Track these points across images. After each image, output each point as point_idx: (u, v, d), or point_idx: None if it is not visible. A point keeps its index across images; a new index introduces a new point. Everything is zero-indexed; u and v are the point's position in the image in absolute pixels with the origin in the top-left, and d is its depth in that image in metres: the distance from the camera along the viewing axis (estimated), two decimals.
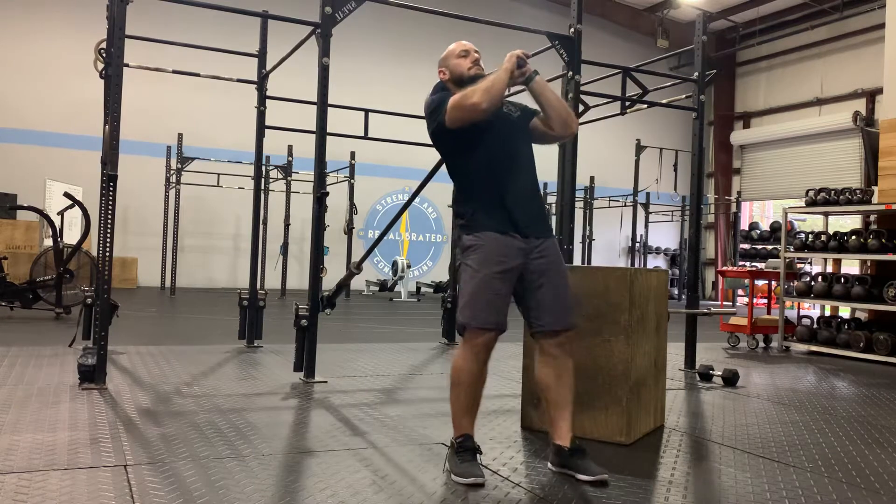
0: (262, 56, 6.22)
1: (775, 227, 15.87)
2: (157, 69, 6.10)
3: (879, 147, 7.67)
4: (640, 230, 15.64)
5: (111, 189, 4.47)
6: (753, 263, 15.21)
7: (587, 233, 14.75)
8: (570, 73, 5.15)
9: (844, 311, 8.68)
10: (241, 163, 12.53)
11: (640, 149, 13.45)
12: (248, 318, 6.17)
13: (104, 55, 5.34)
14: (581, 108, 5.78)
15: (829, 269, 8.52)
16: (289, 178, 13.10)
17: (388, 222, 5.83)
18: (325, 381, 4.73)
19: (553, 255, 3.00)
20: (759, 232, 16.55)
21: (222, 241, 14.72)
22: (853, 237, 7.17)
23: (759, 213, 19.01)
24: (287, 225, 13.31)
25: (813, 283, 7.62)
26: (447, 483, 2.76)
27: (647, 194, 15.32)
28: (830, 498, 2.76)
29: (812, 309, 10.24)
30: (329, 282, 6.72)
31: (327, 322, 7.08)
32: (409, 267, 14.14)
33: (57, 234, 8.07)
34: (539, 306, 2.94)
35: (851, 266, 9.09)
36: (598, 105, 6.34)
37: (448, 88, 3.09)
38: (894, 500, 2.79)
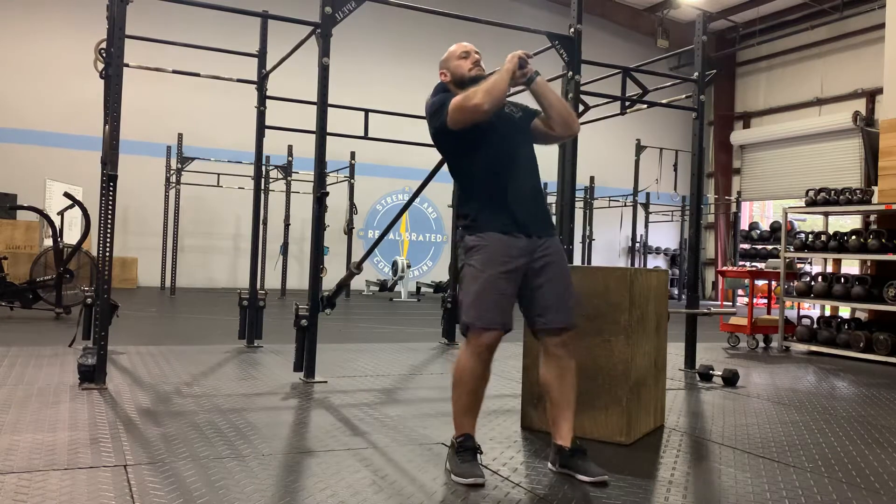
0: (262, 56, 6.22)
1: (775, 227, 15.87)
2: (157, 69, 6.10)
3: (879, 147, 7.67)
4: (640, 230, 15.64)
5: (111, 189, 4.47)
6: (753, 263, 15.21)
7: (587, 233, 14.75)
8: (570, 73, 5.15)
9: (844, 311, 8.68)
10: (241, 163, 12.53)
11: (640, 149, 13.45)
12: (248, 318, 6.17)
13: (104, 55, 5.34)
14: (581, 108, 5.78)
15: (829, 269, 8.52)
16: (289, 178, 13.10)
17: (388, 222, 5.83)
18: (325, 381, 4.73)
19: (556, 254, 3.00)
20: (759, 232, 16.55)
21: (222, 241, 14.72)
22: (853, 237, 7.17)
23: (759, 213, 19.02)
24: (287, 225, 13.31)
25: (813, 283, 7.62)
26: (447, 483, 2.76)
27: (647, 194, 15.32)
28: (830, 498, 2.76)
29: (812, 309, 10.24)
30: (329, 282, 6.72)
31: (327, 322, 7.07)
32: (409, 267, 14.14)
33: (57, 234, 8.07)
34: (542, 305, 2.94)
35: (851, 266, 9.09)
36: (598, 105, 6.35)
37: (449, 90, 3.09)
38: (894, 500, 2.79)
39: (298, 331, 4.73)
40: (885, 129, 7.61)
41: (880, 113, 10.32)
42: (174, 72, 6.18)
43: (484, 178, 2.99)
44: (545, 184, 3.28)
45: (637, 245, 16.13)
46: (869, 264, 7.73)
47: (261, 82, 6.23)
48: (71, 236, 9.43)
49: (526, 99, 3.17)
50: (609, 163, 16.42)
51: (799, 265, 9.68)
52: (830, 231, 7.61)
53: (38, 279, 8.13)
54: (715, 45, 17.48)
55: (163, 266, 13.03)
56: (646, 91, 6.20)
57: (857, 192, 7.30)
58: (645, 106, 6.36)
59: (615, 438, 3.42)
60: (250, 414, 3.78)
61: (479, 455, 2.89)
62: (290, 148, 12.75)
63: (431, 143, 3.20)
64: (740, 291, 16.01)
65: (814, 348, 7.34)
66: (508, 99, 3.08)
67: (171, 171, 12.77)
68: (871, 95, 14.97)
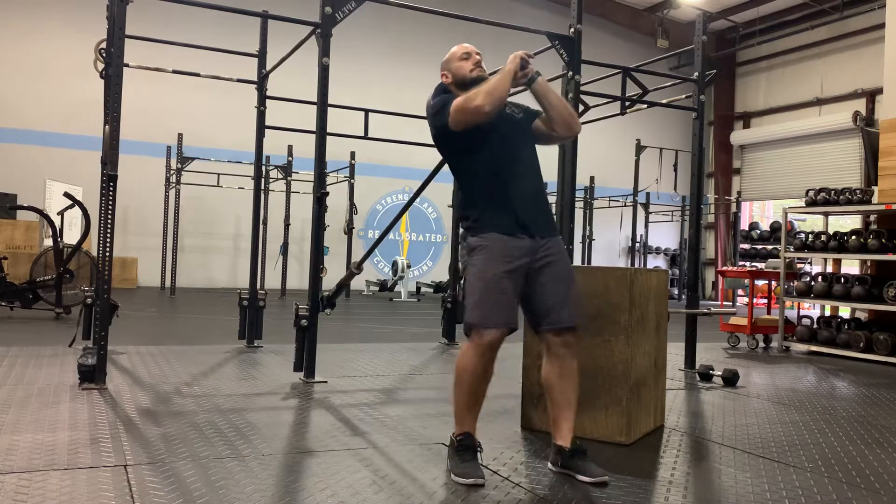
0: (262, 56, 6.22)
1: (775, 227, 15.88)
2: (157, 69, 6.10)
3: (879, 147, 7.67)
4: (640, 230, 15.64)
5: (111, 189, 4.47)
6: (753, 263, 15.22)
7: (587, 233, 14.75)
8: (570, 73, 5.15)
9: (844, 311, 8.68)
10: (241, 163, 12.53)
11: (640, 149, 13.45)
12: (248, 318, 6.17)
13: (104, 55, 5.34)
14: (581, 108, 5.78)
15: (829, 269, 8.52)
16: (289, 178, 13.10)
17: (388, 222, 5.83)
18: (325, 381, 4.73)
19: (559, 254, 3.01)
20: (759, 232, 16.56)
21: (222, 241, 14.72)
22: (853, 237, 7.17)
23: (759, 213, 19.02)
24: (287, 225, 13.31)
25: (813, 283, 7.62)
26: (447, 483, 2.76)
27: (647, 194, 15.32)
28: (830, 498, 2.76)
29: (812, 309, 10.24)
30: (329, 282, 6.72)
31: (327, 322, 7.07)
32: (409, 267, 14.14)
33: (57, 234, 8.07)
34: (546, 305, 2.94)
35: (851, 266, 9.09)
36: (598, 105, 6.35)
37: (450, 91, 3.10)
38: (894, 500, 2.79)
39: (298, 331, 4.73)
40: (885, 129, 7.61)
41: (880, 113, 10.32)
42: (174, 72, 6.18)
43: (486, 179, 2.99)
44: (545, 184, 3.29)
45: (637, 245, 16.13)
46: (869, 264, 7.73)
47: (261, 82, 6.23)
48: (71, 236, 9.43)
49: (526, 99, 3.17)
50: (609, 163, 16.42)
51: (799, 265, 9.68)
52: (830, 231, 7.61)
53: (38, 279, 8.14)
54: (715, 45, 17.48)
55: (163, 266, 13.03)
56: (646, 91, 6.20)
57: (857, 192, 7.30)
58: (645, 106, 6.36)
59: (615, 438, 3.42)
60: (250, 414, 3.78)
61: (479, 454, 2.89)
62: (290, 148, 12.75)
63: (431, 143, 3.20)
64: (740, 291, 16.01)
65: (814, 348, 7.34)
66: (509, 99, 3.08)
67: (171, 171, 12.77)
68: (871, 95, 14.97)
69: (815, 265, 12.20)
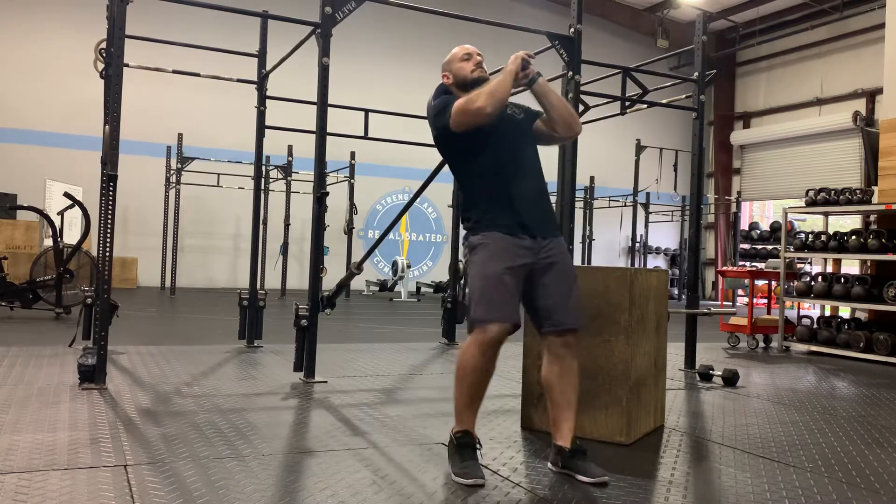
0: (262, 56, 6.22)
1: (775, 227, 15.88)
2: (157, 69, 6.10)
3: (879, 147, 7.67)
4: (640, 230, 15.65)
5: (111, 189, 4.47)
6: (753, 263, 15.22)
7: (587, 233, 14.75)
8: (570, 73, 5.15)
9: (844, 311, 8.68)
10: (241, 163, 12.53)
11: (640, 149, 13.45)
12: (248, 318, 6.17)
13: (104, 55, 5.34)
14: (581, 108, 5.78)
15: (829, 269, 8.52)
16: (289, 178, 13.10)
17: (388, 222, 5.83)
18: (325, 381, 4.73)
19: (561, 255, 3.01)
20: (759, 232, 16.56)
21: (222, 241, 14.72)
22: (853, 237, 7.17)
23: (759, 213, 19.02)
24: (287, 225, 13.31)
25: (813, 283, 7.62)
26: (447, 483, 2.76)
27: (647, 194, 15.33)
28: (830, 498, 2.76)
29: (812, 309, 10.24)
30: (329, 282, 6.72)
31: (327, 322, 7.08)
32: (409, 267, 14.14)
33: (57, 234, 8.07)
34: (548, 306, 2.94)
35: (851, 266, 9.09)
36: (598, 105, 6.35)
37: (451, 91, 3.10)
38: (894, 500, 2.79)
39: (298, 331, 4.73)
40: (885, 129, 7.61)
41: (880, 113, 10.32)
42: (174, 72, 6.18)
43: (487, 180, 3.00)
44: (547, 184, 3.31)
45: (637, 245, 16.13)
46: (869, 264, 7.73)
47: (261, 82, 6.23)
48: (71, 236, 9.43)
49: (526, 99, 3.17)
50: (609, 163, 16.42)
51: (799, 265, 9.68)
52: (830, 231, 7.61)
53: (38, 279, 8.14)
54: (715, 45, 17.48)
55: (163, 266, 13.03)
56: (646, 91, 6.20)
57: (857, 192, 7.30)
58: (645, 106, 6.36)
59: (615, 438, 3.42)
60: (250, 414, 3.78)
61: (478, 451, 2.89)
62: (290, 148, 12.75)
63: (431, 143, 3.20)
64: (740, 291, 16.01)
65: (814, 348, 7.34)
66: (510, 100, 3.08)
67: (171, 171, 12.77)
68: (871, 95, 14.97)
69: (815, 265, 12.20)
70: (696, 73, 5.87)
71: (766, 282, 9.86)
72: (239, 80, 6.37)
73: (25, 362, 4.98)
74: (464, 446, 2.86)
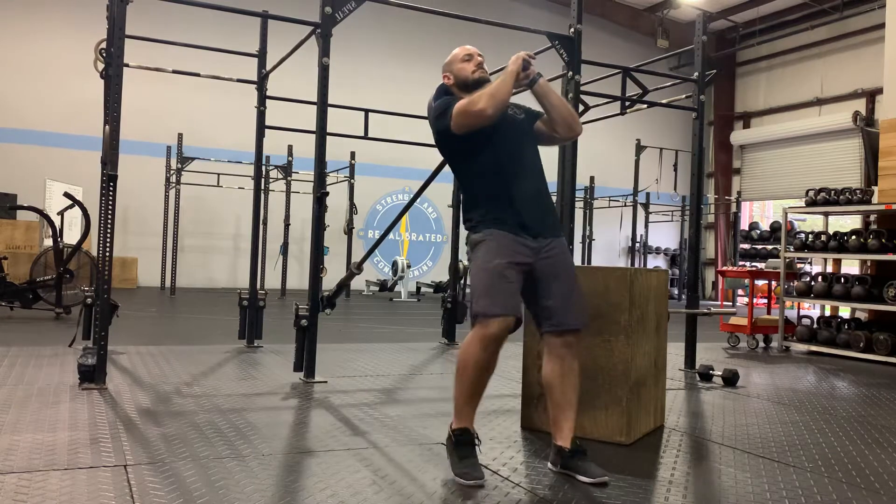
0: (262, 56, 6.22)
1: (775, 227, 15.88)
2: (157, 69, 6.10)
3: (879, 147, 7.67)
4: (640, 230, 15.64)
5: (111, 189, 4.47)
6: (753, 263, 15.22)
7: (587, 233, 14.75)
8: (570, 73, 5.16)
9: (844, 311, 8.68)
10: (241, 163, 12.53)
11: (640, 149, 13.45)
12: (248, 318, 6.17)
13: (104, 55, 5.34)
14: (581, 108, 5.78)
15: (829, 269, 8.52)
16: (289, 178, 13.10)
17: (388, 222, 5.83)
18: (325, 381, 4.73)
19: (562, 255, 3.01)
20: (759, 232, 16.56)
21: (222, 241, 14.72)
22: (853, 237, 7.17)
23: (759, 213, 19.02)
24: (287, 225, 13.31)
25: (813, 283, 7.62)
26: (447, 483, 2.76)
27: (647, 194, 15.33)
28: (830, 498, 2.76)
29: (812, 309, 10.24)
30: (329, 282, 6.72)
31: (327, 322, 7.08)
32: (409, 267, 14.14)
33: (57, 234, 8.07)
34: (548, 306, 2.94)
35: (851, 266, 9.09)
36: (598, 105, 6.35)
37: (452, 92, 3.10)
38: (894, 500, 2.79)
39: (298, 331, 4.73)
40: (885, 129, 7.61)
41: (880, 113, 10.32)
42: (174, 72, 6.18)
43: (488, 181, 3.00)
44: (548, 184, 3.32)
45: (637, 245, 16.13)
46: (869, 264, 7.73)
47: (261, 82, 6.23)
48: (71, 236, 9.43)
49: (527, 100, 3.17)
50: (609, 163, 16.42)
51: (799, 265, 9.68)
52: (830, 231, 7.61)
53: (38, 279, 8.14)
54: (715, 45, 17.48)
55: (163, 266, 13.03)
56: (646, 91, 6.20)
57: (857, 192, 7.30)
58: (645, 106, 6.36)
59: (615, 438, 3.42)
60: (250, 414, 3.78)
61: (478, 448, 2.89)
62: (290, 148, 12.75)
63: (431, 143, 3.20)
64: (740, 291, 16.02)
65: (814, 348, 7.34)
66: (511, 100, 3.08)
67: (171, 171, 12.77)
68: (871, 95, 14.97)
69: (815, 265, 12.20)
70: (696, 73, 5.87)
71: (766, 282, 9.86)
72: (239, 80, 6.37)
73: (25, 362, 4.98)
74: (463, 444, 2.85)
